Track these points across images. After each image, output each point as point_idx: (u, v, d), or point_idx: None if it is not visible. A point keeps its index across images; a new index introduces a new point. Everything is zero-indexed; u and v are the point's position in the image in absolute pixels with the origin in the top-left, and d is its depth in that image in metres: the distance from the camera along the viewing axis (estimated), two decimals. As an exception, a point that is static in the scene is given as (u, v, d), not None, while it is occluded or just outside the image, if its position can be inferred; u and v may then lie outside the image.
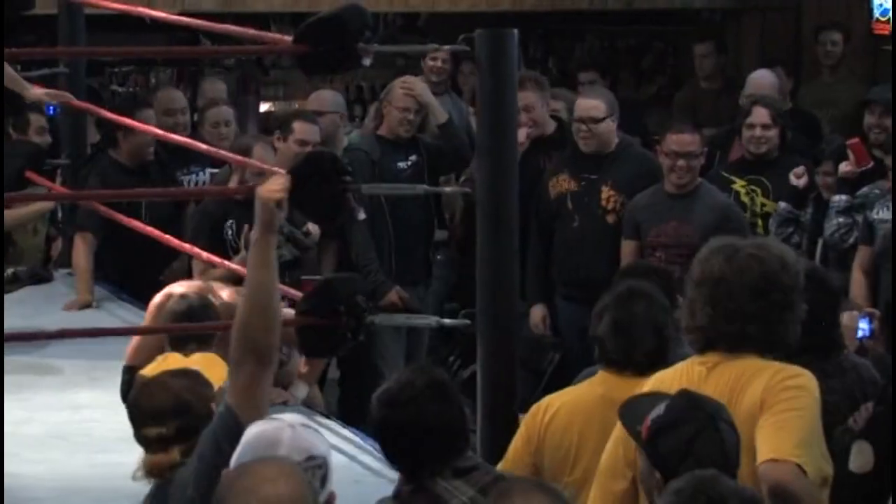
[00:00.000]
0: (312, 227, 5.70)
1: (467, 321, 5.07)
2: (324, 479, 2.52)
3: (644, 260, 5.34)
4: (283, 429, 2.56)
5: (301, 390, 5.04)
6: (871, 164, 5.60)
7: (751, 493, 2.55)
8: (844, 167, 5.62)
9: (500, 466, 3.57)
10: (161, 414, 3.15)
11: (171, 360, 3.95)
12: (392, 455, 3.21)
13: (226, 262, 5.15)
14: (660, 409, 2.79)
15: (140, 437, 3.00)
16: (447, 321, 5.24)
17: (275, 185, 3.21)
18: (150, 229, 5.42)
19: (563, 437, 3.63)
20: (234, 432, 2.79)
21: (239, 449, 2.57)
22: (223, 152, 5.48)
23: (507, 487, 2.75)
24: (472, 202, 5.06)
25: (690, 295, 3.22)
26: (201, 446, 2.81)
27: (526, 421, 3.73)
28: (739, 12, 9.28)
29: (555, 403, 3.66)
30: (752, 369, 3.09)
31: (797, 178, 5.69)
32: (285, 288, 5.15)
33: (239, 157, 5.32)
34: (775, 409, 3.01)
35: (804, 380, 3.07)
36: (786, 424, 2.99)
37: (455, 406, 3.22)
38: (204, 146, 5.50)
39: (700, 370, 3.15)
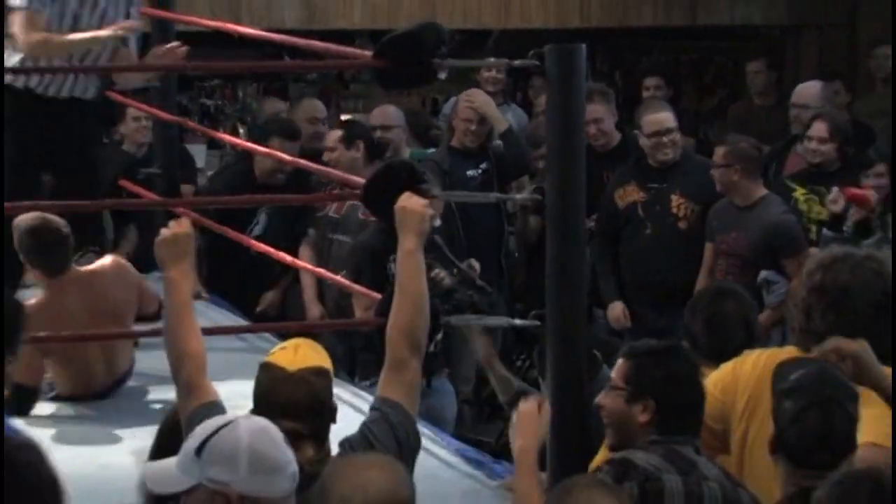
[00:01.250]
0: (475, 263, 5.82)
1: (537, 322, 5.26)
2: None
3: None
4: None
5: None
6: (872, 206, 5.60)
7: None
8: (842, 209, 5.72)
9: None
10: (299, 410, 3.13)
11: (305, 347, 3.64)
12: None
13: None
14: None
15: None
16: (518, 321, 5.18)
17: (422, 201, 3.45)
18: (263, 246, 5.65)
19: None
20: (408, 425, 3.11)
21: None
22: (331, 170, 5.71)
23: (570, 484, 2.85)
24: (543, 207, 5.00)
25: (807, 298, 3.28)
26: (379, 443, 3.00)
27: None
28: (798, 28, 9.38)
29: None
30: None
31: (833, 203, 5.67)
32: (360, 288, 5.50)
33: (348, 175, 5.38)
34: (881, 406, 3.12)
35: None
36: (886, 420, 3.06)
37: None
38: (315, 166, 5.70)
39: None
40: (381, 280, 5.38)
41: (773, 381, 3.06)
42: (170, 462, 2.68)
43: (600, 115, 6.23)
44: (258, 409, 3.00)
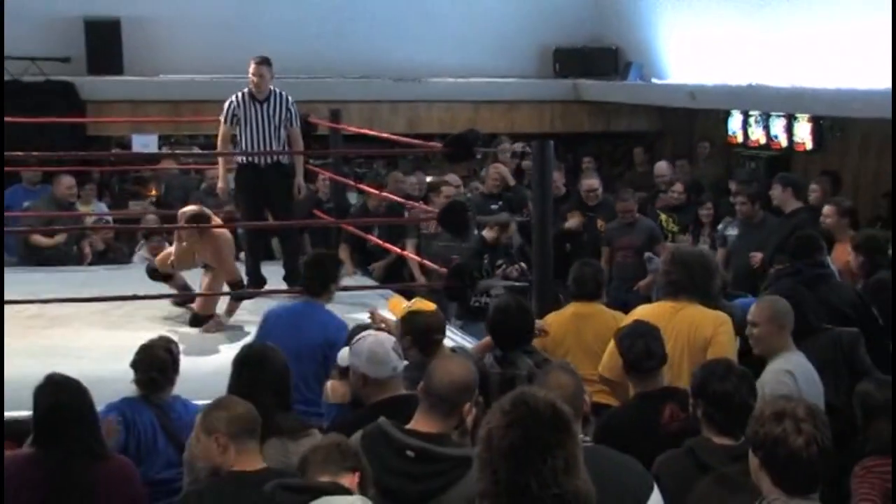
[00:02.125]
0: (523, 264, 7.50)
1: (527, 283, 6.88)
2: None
3: None
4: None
5: None
6: None
7: None
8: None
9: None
10: (441, 328, 4.42)
11: (419, 304, 4.82)
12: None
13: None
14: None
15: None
16: (519, 283, 7.04)
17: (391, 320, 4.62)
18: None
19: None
20: None
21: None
22: (415, 203, 8.45)
23: (548, 368, 3.67)
24: (529, 226, 7.18)
25: (667, 268, 4.94)
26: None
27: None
28: (661, 132, 11.96)
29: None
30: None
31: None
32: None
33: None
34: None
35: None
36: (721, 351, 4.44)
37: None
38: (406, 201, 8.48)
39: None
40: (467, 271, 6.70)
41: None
42: (345, 350, 3.84)
43: (558, 178, 8.89)
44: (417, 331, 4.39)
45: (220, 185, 8.06)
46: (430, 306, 4.64)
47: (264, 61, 7.71)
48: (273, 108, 7.65)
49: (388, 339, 3.71)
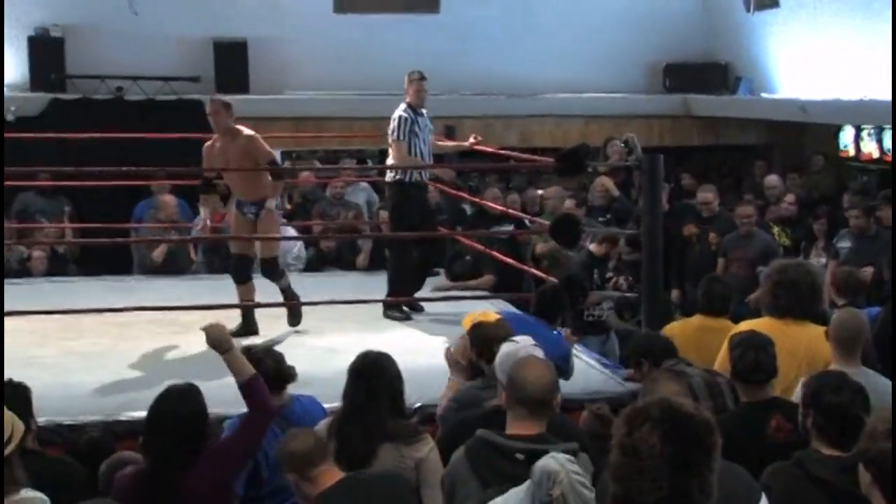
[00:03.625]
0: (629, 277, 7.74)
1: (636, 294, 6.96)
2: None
3: None
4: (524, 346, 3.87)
5: None
6: None
7: None
8: None
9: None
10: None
11: (484, 315, 4.97)
12: None
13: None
14: None
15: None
16: (629, 294, 7.29)
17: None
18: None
19: None
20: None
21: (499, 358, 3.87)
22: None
23: (657, 375, 3.74)
24: (639, 240, 6.99)
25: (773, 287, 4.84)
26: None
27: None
28: (769, 146, 12.12)
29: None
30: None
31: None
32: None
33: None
34: None
35: None
36: None
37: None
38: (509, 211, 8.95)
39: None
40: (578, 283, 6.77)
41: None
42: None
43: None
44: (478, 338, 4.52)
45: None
46: (494, 317, 4.66)
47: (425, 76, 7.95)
48: (426, 122, 7.94)
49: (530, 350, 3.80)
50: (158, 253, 9.31)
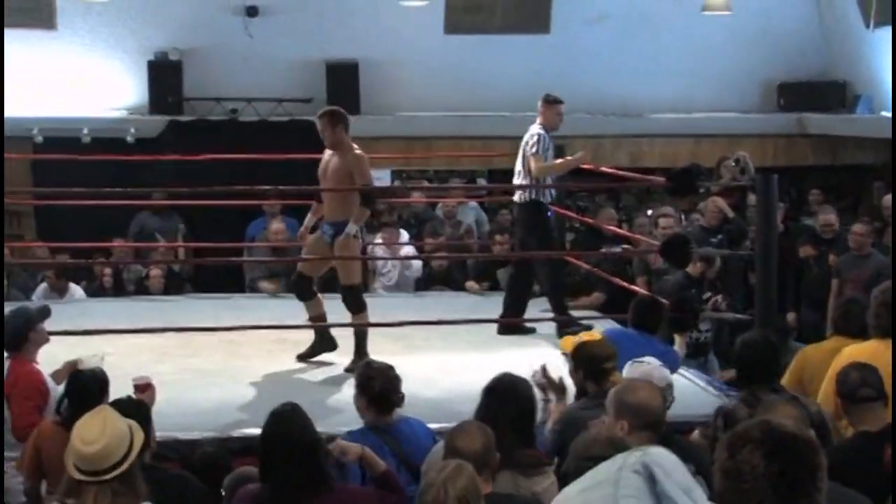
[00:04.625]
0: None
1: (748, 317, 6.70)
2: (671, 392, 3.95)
3: None
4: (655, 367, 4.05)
5: None
6: None
7: None
8: None
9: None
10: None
11: (587, 336, 4.92)
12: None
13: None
14: None
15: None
16: (740, 316, 7.06)
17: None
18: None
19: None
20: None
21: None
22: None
23: (773, 400, 3.72)
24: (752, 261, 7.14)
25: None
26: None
27: None
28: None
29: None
30: None
31: None
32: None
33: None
34: None
35: None
36: None
37: None
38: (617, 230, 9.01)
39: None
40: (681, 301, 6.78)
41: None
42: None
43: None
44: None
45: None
46: (596, 337, 4.63)
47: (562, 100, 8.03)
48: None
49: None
50: (268, 285, 9.42)
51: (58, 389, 4.91)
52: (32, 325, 5.09)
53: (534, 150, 7.70)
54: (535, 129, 7.88)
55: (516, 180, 7.98)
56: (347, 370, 6.66)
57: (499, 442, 3.57)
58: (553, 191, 8.15)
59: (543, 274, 7.92)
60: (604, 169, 8.98)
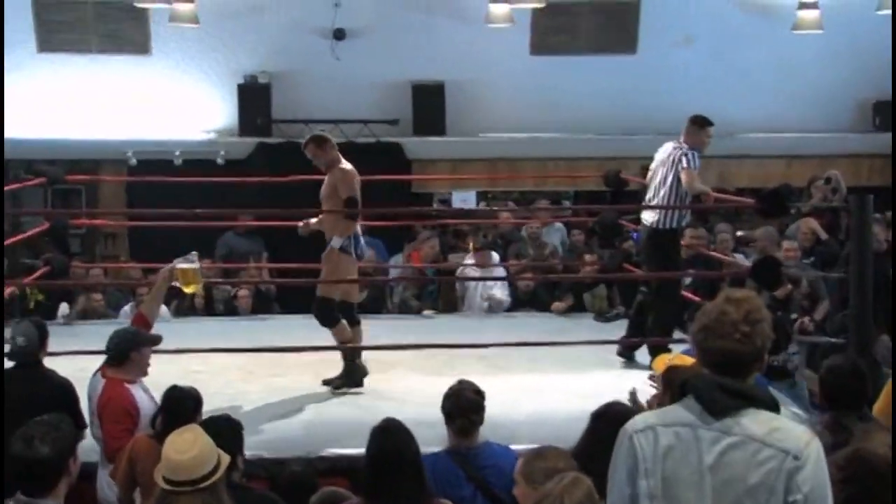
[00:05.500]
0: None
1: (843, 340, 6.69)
2: None
3: None
4: None
5: None
6: None
7: None
8: None
9: None
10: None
11: (679, 359, 4.70)
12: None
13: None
14: None
15: None
16: (833, 340, 7.08)
17: None
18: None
19: None
20: None
21: None
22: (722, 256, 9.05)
23: (869, 427, 3.59)
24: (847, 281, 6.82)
25: None
26: None
27: None
28: None
29: None
30: None
31: None
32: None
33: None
34: None
35: None
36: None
37: None
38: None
39: None
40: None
41: None
42: None
43: (879, 232, 8.48)
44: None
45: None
46: (689, 361, 4.51)
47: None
48: None
49: None
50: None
51: (149, 407, 5.01)
52: (136, 346, 5.20)
53: (690, 165, 7.40)
54: (680, 146, 7.58)
55: (657, 198, 7.59)
56: (325, 383, 6.83)
57: (600, 468, 3.54)
58: (687, 214, 7.74)
59: (662, 298, 7.58)
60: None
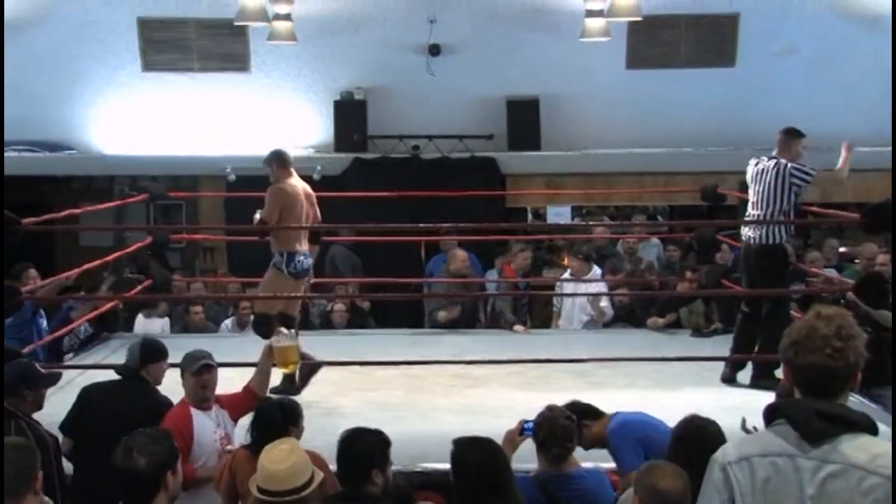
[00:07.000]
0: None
1: None
2: None
3: None
4: None
5: None
6: None
7: None
8: None
9: None
10: None
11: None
12: None
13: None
14: None
15: None
16: None
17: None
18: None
19: None
20: None
21: None
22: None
23: None
24: None
25: None
26: None
27: None
28: None
29: None
30: None
31: None
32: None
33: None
34: None
35: None
36: None
37: None
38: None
39: None
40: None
41: None
42: None
43: None
44: None
45: None
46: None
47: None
48: None
49: None
50: (444, 316, 9.48)
51: (211, 433, 5.07)
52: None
53: (809, 177, 7.48)
54: (778, 160, 7.51)
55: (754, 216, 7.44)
56: (273, 390, 6.66)
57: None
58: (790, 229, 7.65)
59: (776, 316, 7.32)
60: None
